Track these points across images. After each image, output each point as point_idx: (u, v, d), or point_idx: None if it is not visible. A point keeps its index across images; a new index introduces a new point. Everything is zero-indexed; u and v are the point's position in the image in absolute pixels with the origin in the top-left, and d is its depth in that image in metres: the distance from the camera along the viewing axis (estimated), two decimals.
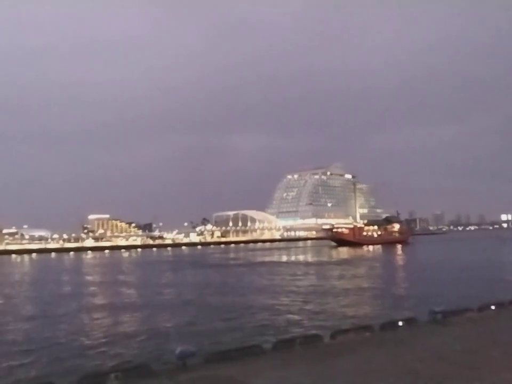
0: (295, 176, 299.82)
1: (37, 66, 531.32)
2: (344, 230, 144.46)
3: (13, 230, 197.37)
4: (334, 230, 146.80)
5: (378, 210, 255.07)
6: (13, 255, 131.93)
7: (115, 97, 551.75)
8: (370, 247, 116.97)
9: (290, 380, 8.13)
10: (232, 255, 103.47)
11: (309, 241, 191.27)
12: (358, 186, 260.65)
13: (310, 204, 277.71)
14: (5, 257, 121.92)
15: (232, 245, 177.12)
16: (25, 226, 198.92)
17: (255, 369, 8.77)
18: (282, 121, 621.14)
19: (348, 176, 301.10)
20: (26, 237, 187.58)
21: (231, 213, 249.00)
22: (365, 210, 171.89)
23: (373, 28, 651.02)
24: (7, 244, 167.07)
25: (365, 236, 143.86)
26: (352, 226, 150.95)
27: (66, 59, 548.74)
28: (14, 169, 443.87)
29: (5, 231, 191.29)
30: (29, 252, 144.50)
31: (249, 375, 8.44)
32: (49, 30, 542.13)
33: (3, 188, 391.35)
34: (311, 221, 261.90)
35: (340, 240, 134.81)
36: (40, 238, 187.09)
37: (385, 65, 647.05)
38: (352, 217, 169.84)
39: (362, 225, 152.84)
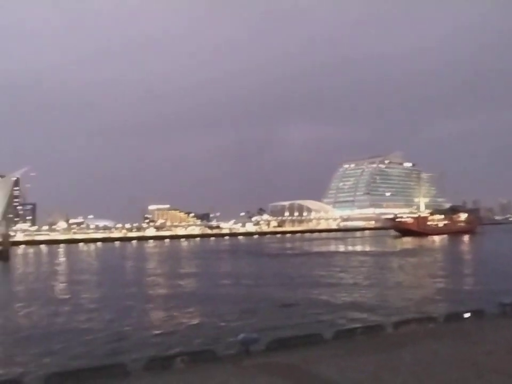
0: (352, 165, 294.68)
1: (96, 64, 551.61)
2: (407, 219, 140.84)
3: (80, 220, 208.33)
4: (397, 219, 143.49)
5: (440, 200, 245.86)
6: (80, 244, 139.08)
7: (167, 90, 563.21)
8: (436, 237, 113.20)
9: (352, 368, 8.12)
10: (288, 244, 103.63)
11: (367, 231, 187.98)
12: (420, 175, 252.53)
13: (367, 193, 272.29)
14: (73, 245, 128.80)
15: (288, 235, 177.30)
16: (90, 216, 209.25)
17: (316, 358, 8.84)
18: (334, 110, 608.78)
19: (407, 164, 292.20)
20: (92, 226, 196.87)
21: (286, 203, 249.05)
22: (426, 200, 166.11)
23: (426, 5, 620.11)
24: (75, 233, 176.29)
25: (430, 225, 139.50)
26: (416, 215, 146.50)
27: (120, 55, 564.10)
28: (79, 162, 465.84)
29: (72, 221, 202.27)
30: (95, 240, 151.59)
31: (310, 362, 8.51)
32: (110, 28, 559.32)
33: (70, 180, 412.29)
34: (369, 211, 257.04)
35: (404, 230, 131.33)
36: (105, 228, 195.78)
37: (439, 44, 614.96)
38: (414, 206, 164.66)
39: (427, 215, 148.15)
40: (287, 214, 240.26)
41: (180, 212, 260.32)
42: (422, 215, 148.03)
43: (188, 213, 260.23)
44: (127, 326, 19.53)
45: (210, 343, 14.92)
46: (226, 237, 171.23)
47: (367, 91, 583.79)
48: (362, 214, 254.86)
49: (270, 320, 19.32)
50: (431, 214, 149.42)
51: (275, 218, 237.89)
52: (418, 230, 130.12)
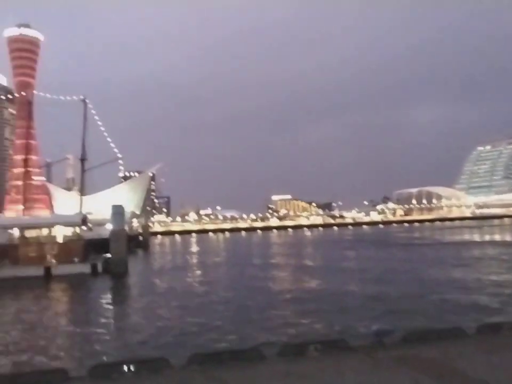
0: (487, 147, 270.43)
1: (210, 60, 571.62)
2: None
3: (209, 211, 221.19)
4: None
5: None
6: (210, 234, 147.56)
7: (285, 76, 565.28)
8: None
9: (498, 366, 7.40)
10: (417, 234, 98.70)
11: (506, 219, 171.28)
12: None
13: (507, 177, 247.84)
14: (204, 235, 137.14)
15: (417, 224, 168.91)
16: (218, 207, 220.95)
17: (458, 352, 8.20)
18: (463, 88, 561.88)
19: None
20: (220, 217, 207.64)
21: (413, 190, 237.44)
22: None
23: None
24: (205, 223, 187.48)
25: None
26: None
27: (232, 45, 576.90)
28: (206, 155, 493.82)
29: (202, 212, 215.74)
30: (223, 230, 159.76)
31: (452, 357, 7.92)
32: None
33: (200, 173, 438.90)
34: (509, 197, 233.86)
35: None
36: (232, 218, 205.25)
37: None
38: None
39: None
40: (414, 201, 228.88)
41: (301, 202, 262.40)
42: None
43: (310, 203, 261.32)
44: (259, 313, 20.19)
45: (343, 332, 14.78)
46: (350, 227, 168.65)
47: (504, 68, 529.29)
48: (501, 200, 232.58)
49: (404, 311, 18.53)
50: None
51: (401, 206, 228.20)
52: None
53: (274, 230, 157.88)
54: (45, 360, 14.35)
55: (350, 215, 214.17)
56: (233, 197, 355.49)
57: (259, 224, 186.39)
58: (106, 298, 28.87)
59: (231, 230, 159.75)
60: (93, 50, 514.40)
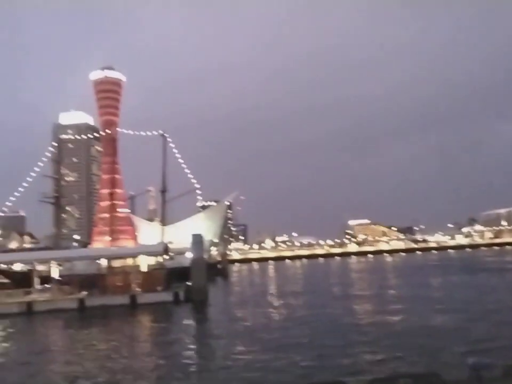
0: None
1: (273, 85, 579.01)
2: None
3: (285, 237, 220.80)
4: None
5: None
6: (287, 260, 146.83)
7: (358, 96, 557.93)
8: None
9: None
10: (509, 258, 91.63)
11: None
12: None
13: None
14: (281, 262, 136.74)
15: (508, 247, 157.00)
16: (294, 234, 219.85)
17: None
18: None
19: None
20: (296, 243, 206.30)
21: (502, 211, 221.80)
22: None
23: None
24: (281, 250, 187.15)
25: None
26: None
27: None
28: (279, 182, 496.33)
29: (278, 239, 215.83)
30: (300, 257, 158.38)
31: None
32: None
33: (275, 201, 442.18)
34: None
35: None
36: (308, 244, 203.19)
37: None
38: None
39: None
40: (504, 223, 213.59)
41: (381, 226, 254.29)
42: None
43: (390, 227, 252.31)
44: (343, 348, 19.50)
45: (436, 365, 13.84)
46: (434, 251, 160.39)
47: None
48: None
49: (499, 347, 16.98)
50: None
51: (490, 228, 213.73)
52: None
53: (353, 256, 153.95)
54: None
55: (434, 239, 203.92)
56: (310, 222, 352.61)
57: (337, 250, 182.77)
58: (191, 329, 29.38)
59: (308, 257, 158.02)
60: (167, 84, 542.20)
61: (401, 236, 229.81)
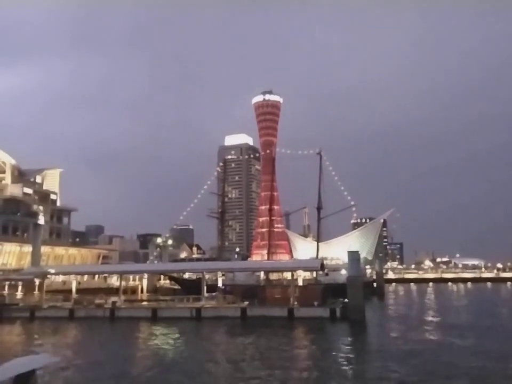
0: None
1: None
2: None
3: (446, 258, 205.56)
4: None
5: None
6: (449, 283, 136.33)
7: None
8: None
9: None
10: None
11: None
12: None
13: None
14: (441, 284, 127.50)
15: None
16: (457, 255, 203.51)
17: None
18: None
19: None
20: (459, 265, 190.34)
21: None
22: None
23: None
24: (442, 272, 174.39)
25: None
26: None
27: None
28: (439, 200, 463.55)
29: (438, 259, 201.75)
30: (464, 280, 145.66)
31: None
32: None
33: (433, 218, 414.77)
34: None
35: None
36: (474, 267, 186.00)
37: None
38: None
39: None
40: None
41: None
42: None
43: None
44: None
45: None
46: None
47: None
48: None
49: None
50: None
51: None
52: None
53: None
54: None
55: None
56: (475, 244, 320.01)
57: (508, 274, 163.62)
58: (351, 347, 29.30)
59: (473, 280, 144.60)
60: (323, 104, 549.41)
61: None
